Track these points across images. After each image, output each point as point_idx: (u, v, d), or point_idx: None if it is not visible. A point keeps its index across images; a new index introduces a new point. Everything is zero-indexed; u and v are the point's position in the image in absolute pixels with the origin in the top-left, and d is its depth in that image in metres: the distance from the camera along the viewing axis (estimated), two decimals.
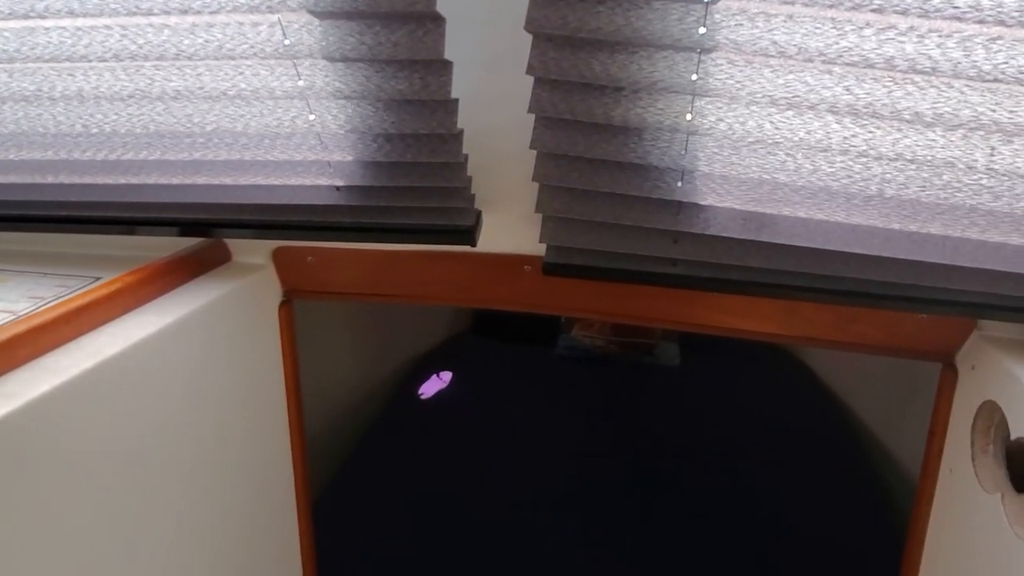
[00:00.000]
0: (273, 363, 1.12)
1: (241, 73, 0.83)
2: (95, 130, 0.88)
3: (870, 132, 0.75)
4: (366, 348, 2.75)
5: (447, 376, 2.82)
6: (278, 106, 0.85)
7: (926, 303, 0.88)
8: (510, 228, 1.01)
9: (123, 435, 0.80)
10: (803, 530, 1.88)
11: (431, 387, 2.73)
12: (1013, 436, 0.83)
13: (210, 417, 0.95)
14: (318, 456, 2.36)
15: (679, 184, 0.86)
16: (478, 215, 0.98)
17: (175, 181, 0.93)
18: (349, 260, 1.09)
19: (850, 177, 0.80)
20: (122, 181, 0.93)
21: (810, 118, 0.76)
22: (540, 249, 0.98)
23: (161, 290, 0.95)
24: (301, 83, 0.82)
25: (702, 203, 0.87)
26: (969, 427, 0.93)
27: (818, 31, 0.69)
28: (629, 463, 2.20)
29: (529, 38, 0.77)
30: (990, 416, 0.90)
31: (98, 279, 0.93)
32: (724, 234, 0.88)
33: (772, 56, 0.71)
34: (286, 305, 1.13)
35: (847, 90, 0.72)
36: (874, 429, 2.40)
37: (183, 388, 0.90)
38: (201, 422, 0.93)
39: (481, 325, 3.32)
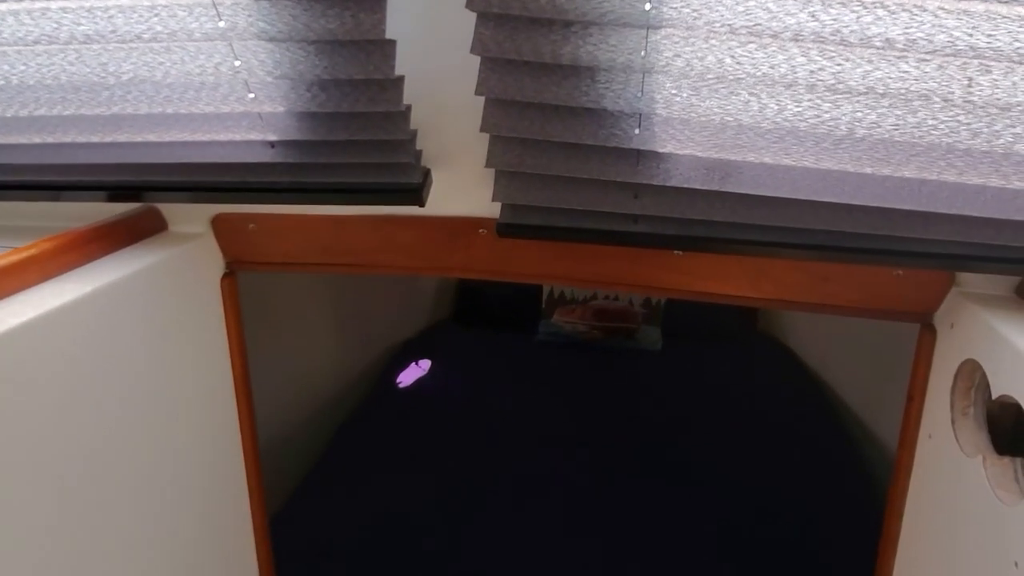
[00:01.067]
0: (217, 341, 1.05)
1: (156, 15, 0.76)
2: (2, 82, 0.81)
3: (838, 64, 0.70)
4: (345, 338, 2.68)
5: (426, 364, 2.76)
6: (200, 51, 0.78)
7: (901, 256, 0.83)
8: (462, 188, 0.95)
9: (35, 412, 0.73)
10: (786, 508, 1.83)
11: (410, 375, 2.67)
12: (995, 395, 0.78)
13: (142, 399, 0.88)
14: (298, 446, 2.30)
15: (636, 131, 0.80)
16: (426, 173, 0.92)
17: (95, 139, 0.86)
18: (293, 227, 1.02)
19: (818, 117, 0.74)
20: (38, 140, 0.86)
21: (773, 50, 0.70)
22: (494, 210, 0.92)
23: (85, 258, 0.88)
24: (222, 24, 0.75)
25: (661, 151, 0.81)
26: (949, 389, 0.87)
27: None
28: (612, 448, 2.15)
29: None
30: (971, 376, 0.85)
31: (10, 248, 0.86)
32: (687, 185, 0.82)
33: None
34: (229, 277, 1.06)
35: (812, 16, 0.66)
36: (854, 408, 2.36)
37: (109, 363, 0.83)
38: (131, 403, 0.86)
39: (461, 313, 3.26)
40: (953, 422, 0.86)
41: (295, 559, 1.63)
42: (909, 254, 0.82)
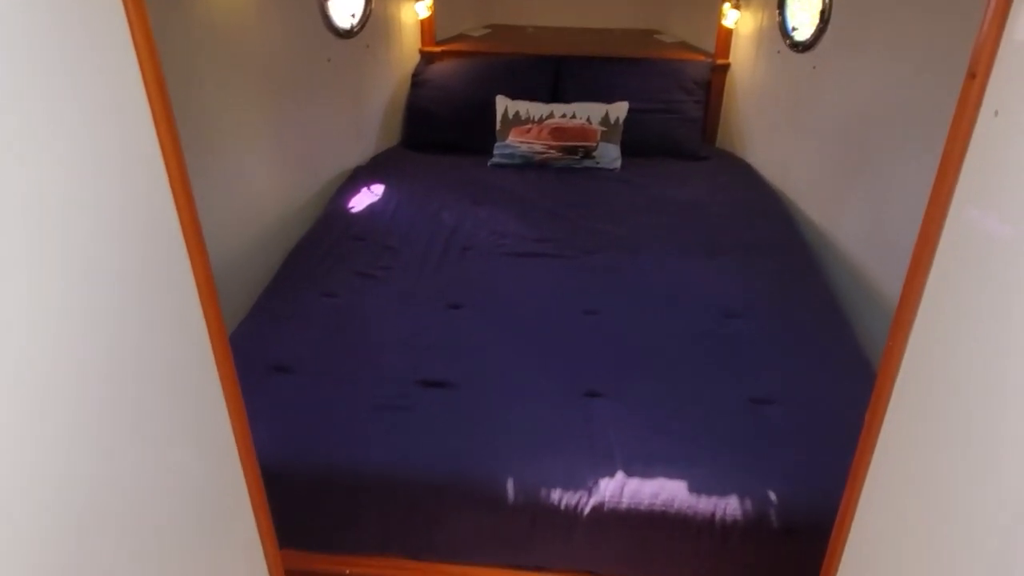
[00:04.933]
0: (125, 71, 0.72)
1: None
2: None
3: None
4: (290, 164, 2.52)
5: (378, 189, 2.64)
6: None
7: None
8: None
9: None
10: (750, 311, 1.86)
11: (362, 200, 2.55)
12: None
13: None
14: (247, 269, 2.21)
15: None
16: None
17: None
18: None
19: None
20: None
21: None
22: None
23: None
24: None
25: None
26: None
27: None
28: (574, 260, 2.12)
29: None
30: None
31: None
32: None
33: None
34: None
35: None
36: (814, 217, 2.39)
37: None
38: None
39: (411, 138, 3.10)
40: None
41: (253, 375, 1.59)
42: None
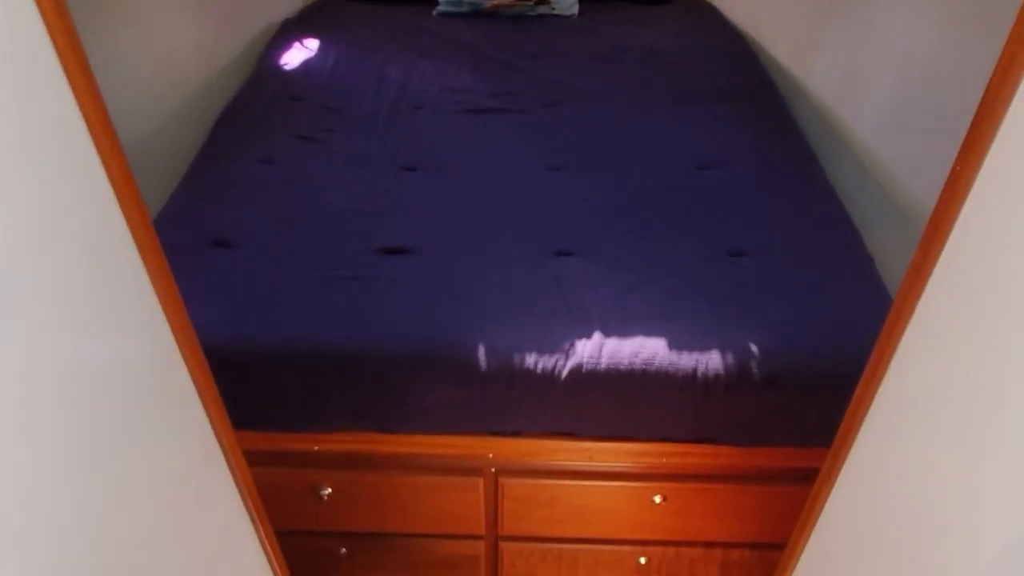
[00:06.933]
0: None
1: None
2: None
3: None
4: (209, 19, 2.24)
5: (312, 43, 2.38)
6: None
7: None
8: None
9: None
10: (723, 163, 1.77)
11: (295, 56, 2.30)
12: None
13: None
14: (172, 139, 2.00)
15: None
16: None
17: None
18: None
19: None
20: None
21: None
22: None
23: None
24: None
25: None
26: None
27: None
28: (534, 115, 1.97)
29: None
30: None
31: None
32: None
33: None
34: None
35: None
36: (784, 63, 2.26)
37: None
38: None
39: None
40: None
41: (192, 251, 1.45)
42: None
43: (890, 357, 0.74)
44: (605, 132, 1.88)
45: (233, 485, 0.82)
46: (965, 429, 0.62)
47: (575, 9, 2.58)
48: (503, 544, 1.52)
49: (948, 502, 0.65)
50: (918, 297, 0.70)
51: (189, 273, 1.40)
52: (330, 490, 1.40)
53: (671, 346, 1.27)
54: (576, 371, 1.26)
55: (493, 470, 1.39)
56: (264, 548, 0.91)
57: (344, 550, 1.54)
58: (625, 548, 1.52)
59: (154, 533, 0.66)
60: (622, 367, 1.26)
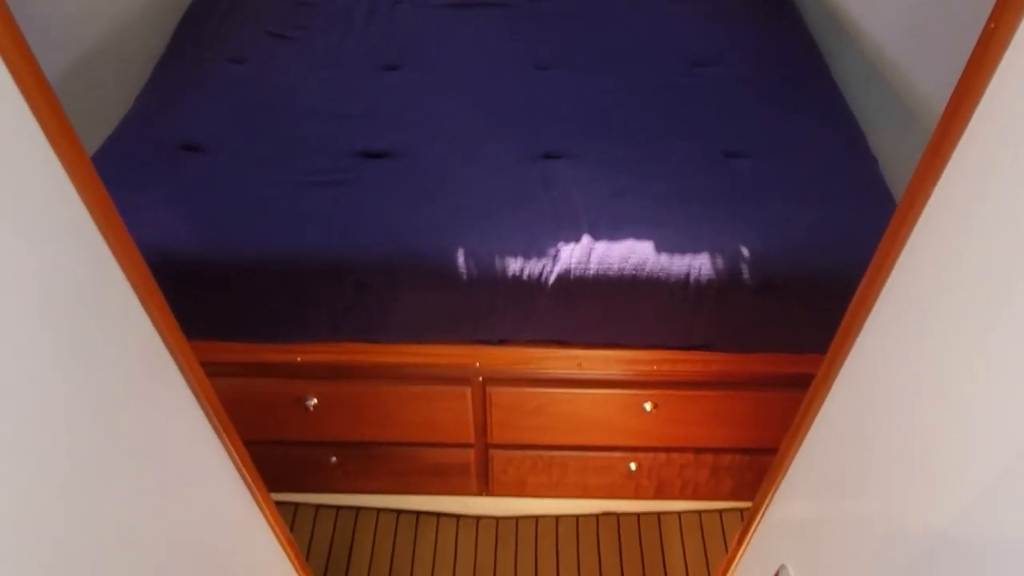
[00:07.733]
0: None
1: None
2: None
3: None
4: None
5: None
6: None
7: None
8: None
9: None
10: (720, 60, 1.67)
11: None
12: None
13: None
14: (133, 46, 1.87)
15: None
16: None
17: None
18: None
19: None
20: None
21: None
22: None
23: None
24: None
25: None
26: None
27: None
28: (520, 9, 1.84)
29: None
30: None
31: None
32: None
33: None
34: None
35: None
36: None
37: None
38: None
39: None
40: None
41: (160, 157, 1.37)
42: None
43: (893, 262, 0.69)
44: (595, 27, 1.76)
45: (191, 396, 0.78)
46: (966, 339, 0.58)
47: None
48: (493, 452, 1.52)
49: (942, 412, 0.62)
50: (925, 200, 0.64)
51: (157, 179, 1.33)
52: (316, 400, 1.38)
53: (662, 250, 1.22)
54: (564, 277, 1.21)
55: (481, 379, 1.37)
56: (232, 459, 0.89)
57: (334, 459, 1.54)
58: (616, 454, 1.52)
59: (103, 451, 0.62)
60: (611, 272, 1.21)
